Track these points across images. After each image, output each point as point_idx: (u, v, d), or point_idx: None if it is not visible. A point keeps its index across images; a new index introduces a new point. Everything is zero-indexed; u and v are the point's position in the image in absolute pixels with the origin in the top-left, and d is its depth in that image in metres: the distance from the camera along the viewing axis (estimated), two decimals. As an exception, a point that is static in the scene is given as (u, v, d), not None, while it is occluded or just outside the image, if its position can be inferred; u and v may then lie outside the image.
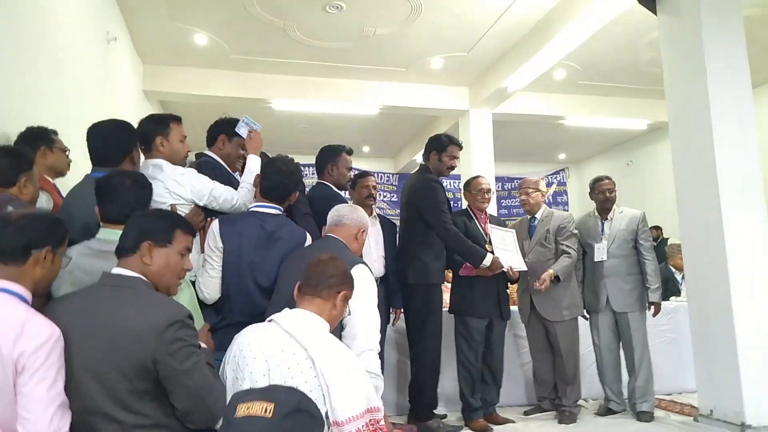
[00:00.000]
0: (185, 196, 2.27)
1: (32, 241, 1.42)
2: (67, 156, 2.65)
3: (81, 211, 1.94)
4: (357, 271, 1.90)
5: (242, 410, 1.13)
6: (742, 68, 3.37)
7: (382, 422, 1.53)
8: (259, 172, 2.41)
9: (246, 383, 1.50)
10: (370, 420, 1.48)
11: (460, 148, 3.58)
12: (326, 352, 1.51)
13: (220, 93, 6.45)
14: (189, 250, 1.63)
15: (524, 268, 3.49)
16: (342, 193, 3.40)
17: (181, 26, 5.35)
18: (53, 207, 2.37)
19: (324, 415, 1.40)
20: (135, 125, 2.36)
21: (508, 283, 3.75)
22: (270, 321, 1.63)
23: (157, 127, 2.37)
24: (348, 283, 1.73)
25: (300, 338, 1.52)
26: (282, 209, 2.34)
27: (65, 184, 2.53)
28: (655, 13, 3.73)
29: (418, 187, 3.46)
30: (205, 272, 2.20)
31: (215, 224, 2.24)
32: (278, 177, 2.31)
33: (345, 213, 2.23)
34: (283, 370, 1.47)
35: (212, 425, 1.44)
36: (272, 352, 1.51)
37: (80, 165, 2.61)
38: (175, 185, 2.24)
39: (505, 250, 3.46)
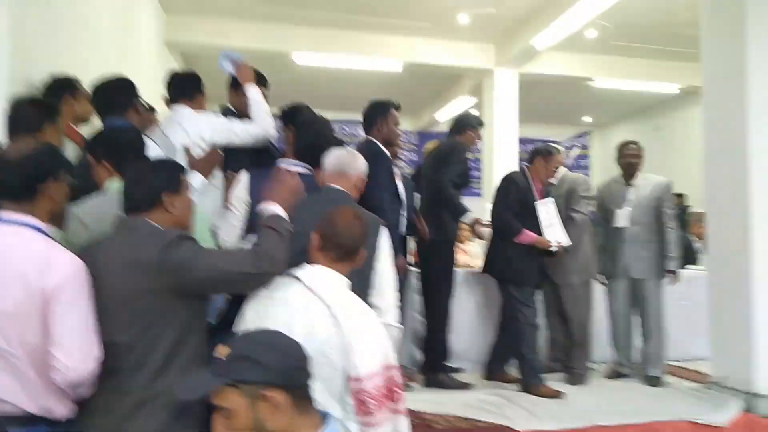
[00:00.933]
0: (204, 136, 2.33)
1: (36, 176, 1.45)
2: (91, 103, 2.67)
3: None
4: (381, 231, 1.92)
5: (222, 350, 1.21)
6: (784, 33, 3.22)
7: (398, 379, 1.56)
8: (262, 101, 2.42)
9: None
10: (387, 376, 1.51)
11: (482, 125, 3.71)
12: (348, 310, 1.54)
13: (241, 44, 6.35)
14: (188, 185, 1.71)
15: (568, 242, 3.44)
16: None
17: (204, -26, 5.26)
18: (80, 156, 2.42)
19: (341, 371, 1.45)
20: (162, 77, 2.40)
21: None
22: (290, 275, 1.64)
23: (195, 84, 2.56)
24: (366, 242, 1.73)
25: (323, 296, 1.54)
26: (312, 170, 2.28)
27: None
28: (696, -30, 3.55)
29: (447, 147, 3.61)
30: (227, 221, 2.19)
31: (245, 177, 2.23)
32: (317, 140, 2.28)
33: (348, 161, 2.13)
34: (307, 327, 1.49)
35: (260, 277, 1.52)
36: (296, 308, 1.53)
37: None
38: (192, 125, 2.32)
39: (550, 225, 3.43)
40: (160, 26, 6.02)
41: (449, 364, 3.55)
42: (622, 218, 3.66)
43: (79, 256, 1.46)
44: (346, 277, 1.68)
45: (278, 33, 6.39)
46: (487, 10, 5.82)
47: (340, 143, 2.54)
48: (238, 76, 2.57)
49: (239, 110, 2.71)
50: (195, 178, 2.18)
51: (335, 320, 1.50)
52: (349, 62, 6.92)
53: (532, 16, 5.88)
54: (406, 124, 9.92)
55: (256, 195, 2.12)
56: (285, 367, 1.17)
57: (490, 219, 3.56)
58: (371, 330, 1.55)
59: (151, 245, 1.46)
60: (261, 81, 2.78)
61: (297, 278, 1.61)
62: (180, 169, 1.69)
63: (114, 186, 1.77)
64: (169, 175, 1.61)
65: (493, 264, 3.54)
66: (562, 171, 3.77)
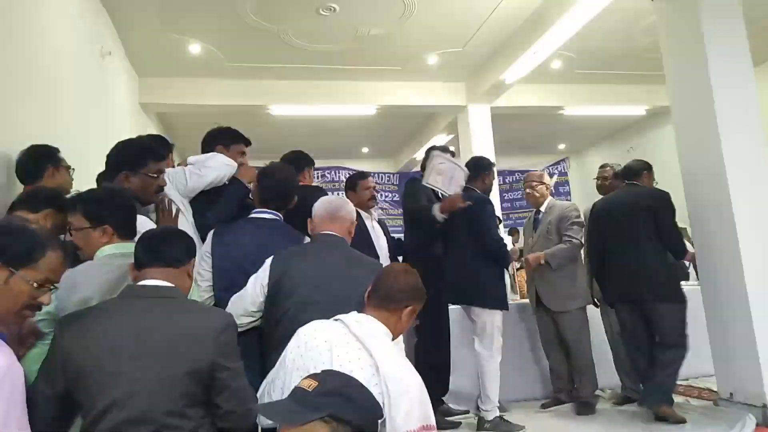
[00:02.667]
0: (172, 194, 2.38)
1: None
2: (71, 174, 2.63)
3: None
4: None
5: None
6: (742, 47, 3.35)
7: None
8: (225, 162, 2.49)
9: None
10: None
11: (453, 155, 3.58)
12: (391, 362, 1.48)
13: (218, 102, 6.44)
14: None
15: (449, 192, 3.26)
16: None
17: (175, 36, 5.34)
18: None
19: (381, 421, 1.40)
20: (131, 138, 2.42)
21: (515, 273, 3.76)
22: (336, 320, 1.61)
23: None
24: (417, 298, 1.68)
25: (366, 343, 1.51)
26: (280, 216, 2.28)
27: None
28: (650, -3, 3.71)
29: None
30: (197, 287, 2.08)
31: (209, 235, 2.23)
32: (278, 186, 2.29)
33: (340, 205, 2.12)
34: (346, 369, 1.44)
35: (250, 426, 1.49)
36: (338, 351, 1.50)
37: (78, 180, 2.61)
38: (169, 185, 2.36)
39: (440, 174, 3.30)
40: (135, 89, 6.06)
41: (450, 405, 3.45)
42: None
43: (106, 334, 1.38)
44: (393, 333, 1.63)
45: (254, 88, 6.47)
46: (453, 51, 6.00)
47: (320, 190, 2.55)
48: (239, 173, 2.62)
49: None
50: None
51: (376, 368, 1.45)
52: (325, 110, 7.03)
53: (498, 52, 6.07)
54: (385, 166, 10.04)
55: (219, 250, 2.15)
56: (372, 413, 1.21)
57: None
58: (414, 386, 1.47)
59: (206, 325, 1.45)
60: (243, 140, 2.80)
61: (342, 322, 1.59)
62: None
63: (106, 251, 1.68)
64: (190, 243, 1.63)
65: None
66: (549, 199, 3.79)
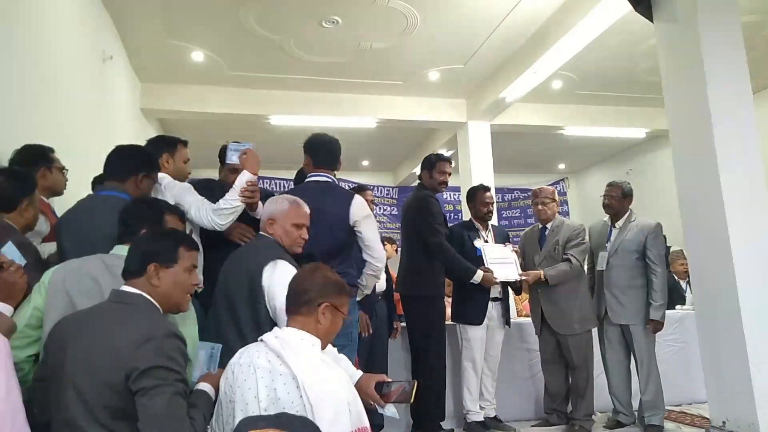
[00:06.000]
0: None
1: None
2: (65, 175, 2.61)
3: (99, 230, 1.94)
4: (274, 267, 1.90)
5: None
6: (741, 73, 3.34)
7: None
8: (240, 189, 2.32)
9: (238, 405, 1.47)
10: None
11: (450, 163, 3.61)
12: (309, 371, 1.47)
13: (218, 110, 6.44)
14: (195, 266, 1.64)
15: (516, 278, 3.47)
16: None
17: (178, 44, 5.36)
18: (49, 228, 2.34)
19: None
20: (135, 144, 2.38)
21: (513, 293, 3.75)
22: (260, 341, 1.59)
23: (166, 146, 2.51)
24: (329, 292, 1.64)
25: (283, 355, 1.49)
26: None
27: (61, 204, 2.49)
28: (651, 20, 3.71)
29: (414, 202, 3.54)
30: None
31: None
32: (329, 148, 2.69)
33: (264, 208, 2.20)
34: (270, 391, 1.45)
35: None
36: (261, 373, 1.48)
37: (77, 184, 2.58)
38: (167, 195, 2.31)
39: (500, 263, 3.45)
40: (136, 94, 6.07)
41: (444, 427, 3.40)
42: (601, 261, 3.64)
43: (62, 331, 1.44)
44: (319, 336, 1.61)
45: (254, 97, 6.49)
46: (455, 67, 6.02)
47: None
48: (244, 163, 2.43)
49: (223, 183, 2.67)
50: None
51: (297, 384, 1.44)
52: (325, 122, 7.03)
53: (499, 70, 6.10)
54: (385, 179, 10.04)
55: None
56: None
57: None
58: (339, 391, 1.47)
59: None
60: None
61: (262, 340, 1.57)
62: (182, 243, 1.62)
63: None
64: (162, 246, 1.58)
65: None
66: (558, 217, 3.77)
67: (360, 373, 1.87)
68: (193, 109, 6.40)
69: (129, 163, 2.15)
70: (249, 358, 1.53)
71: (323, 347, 1.62)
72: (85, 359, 1.38)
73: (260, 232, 2.18)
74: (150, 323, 1.44)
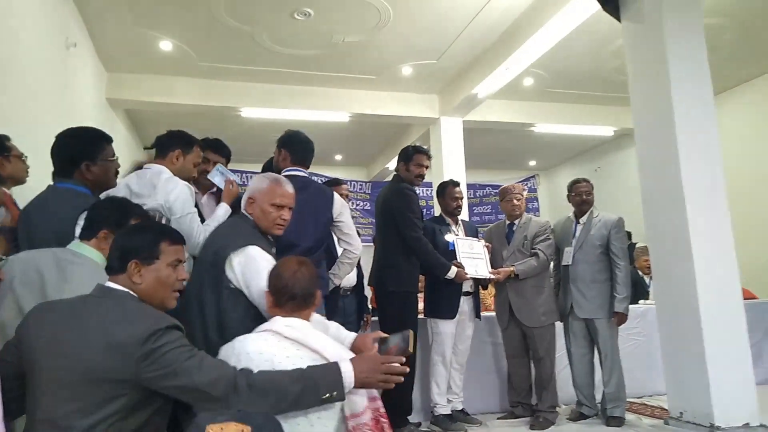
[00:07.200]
0: (159, 201, 2.22)
1: None
2: (25, 162, 2.53)
3: (49, 224, 1.90)
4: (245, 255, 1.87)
5: (215, 430, 1.16)
6: (703, 75, 3.44)
7: (382, 409, 1.60)
8: (220, 219, 2.38)
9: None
10: (374, 407, 1.56)
11: (428, 156, 3.58)
12: (326, 347, 1.57)
13: (188, 101, 6.31)
14: (180, 260, 1.56)
15: (486, 275, 3.51)
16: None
17: (146, 32, 5.23)
18: (12, 219, 2.27)
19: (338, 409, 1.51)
20: (78, 127, 2.23)
21: (481, 288, 3.78)
22: (265, 331, 1.62)
23: (182, 144, 2.45)
24: (317, 284, 1.78)
25: (308, 343, 1.57)
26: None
27: (23, 194, 2.41)
28: (619, 20, 3.79)
29: (391, 195, 3.49)
30: None
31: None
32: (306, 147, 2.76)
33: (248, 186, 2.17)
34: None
35: (225, 406, 1.37)
36: (276, 355, 1.53)
37: (39, 172, 2.50)
38: (158, 190, 2.21)
39: (471, 257, 3.48)
40: (102, 84, 5.90)
41: (411, 421, 3.41)
42: (567, 256, 3.71)
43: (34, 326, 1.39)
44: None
45: (225, 89, 6.37)
46: (427, 62, 6.04)
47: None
48: (224, 194, 2.58)
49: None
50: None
51: (320, 357, 1.53)
52: (297, 114, 6.96)
53: (471, 66, 6.13)
54: (358, 174, 10.01)
55: None
56: None
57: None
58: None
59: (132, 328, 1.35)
60: (222, 152, 2.90)
61: (271, 332, 1.60)
62: (163, 238, 1.53)
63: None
64: (142, 242, 1.50)
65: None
66: (525, 214, 3.83)
67: (354, 334, 1.89)
68: (162, 100, 6.25)
69: (66, 157, 2.06)
70: (254, 345, 1.56)
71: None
72: (75, 354, 1.32)
73: (241, 211, 2.10)
74: (149, 317, 1.40)
